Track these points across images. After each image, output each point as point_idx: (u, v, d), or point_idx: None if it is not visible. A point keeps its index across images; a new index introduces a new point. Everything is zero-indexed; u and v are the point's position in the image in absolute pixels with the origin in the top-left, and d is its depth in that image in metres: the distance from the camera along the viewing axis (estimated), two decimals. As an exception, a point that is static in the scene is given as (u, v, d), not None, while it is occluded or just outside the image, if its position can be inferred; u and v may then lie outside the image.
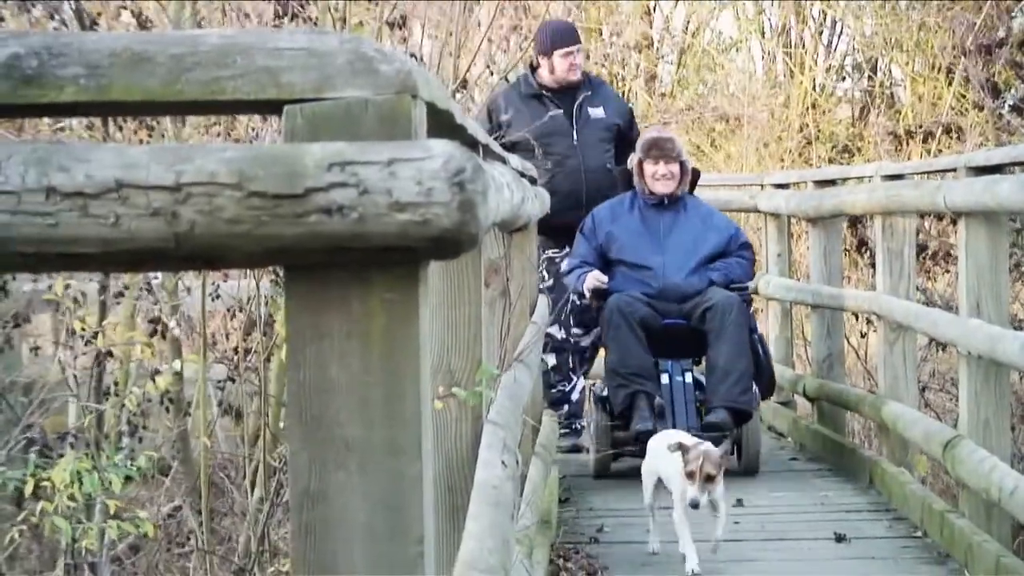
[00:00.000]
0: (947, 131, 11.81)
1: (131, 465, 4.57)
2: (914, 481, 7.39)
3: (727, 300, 7.86)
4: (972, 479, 6.14)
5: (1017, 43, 9.91)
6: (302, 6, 7.13)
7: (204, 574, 5.30)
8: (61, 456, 5.26)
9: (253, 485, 6.34)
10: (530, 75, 8.61)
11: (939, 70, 12.94)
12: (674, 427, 7.35)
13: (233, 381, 6.20)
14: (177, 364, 5.48)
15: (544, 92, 8.51)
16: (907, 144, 12.05)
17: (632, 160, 8.16)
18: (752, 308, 8.45)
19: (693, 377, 7.93)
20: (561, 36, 8.57)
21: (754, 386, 7.96)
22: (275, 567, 4.95)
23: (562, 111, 8.46)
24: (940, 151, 11.71)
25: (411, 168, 1.82)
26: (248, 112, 1.93)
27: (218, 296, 6.52)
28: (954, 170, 6.83)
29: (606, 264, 8.11)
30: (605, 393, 7.94)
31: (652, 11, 17.38)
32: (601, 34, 16.77)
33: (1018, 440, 7.78)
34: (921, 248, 9.88)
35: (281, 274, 5.93)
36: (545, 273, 8.64)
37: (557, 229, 8.34)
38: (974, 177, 6.32)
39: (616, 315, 7.77)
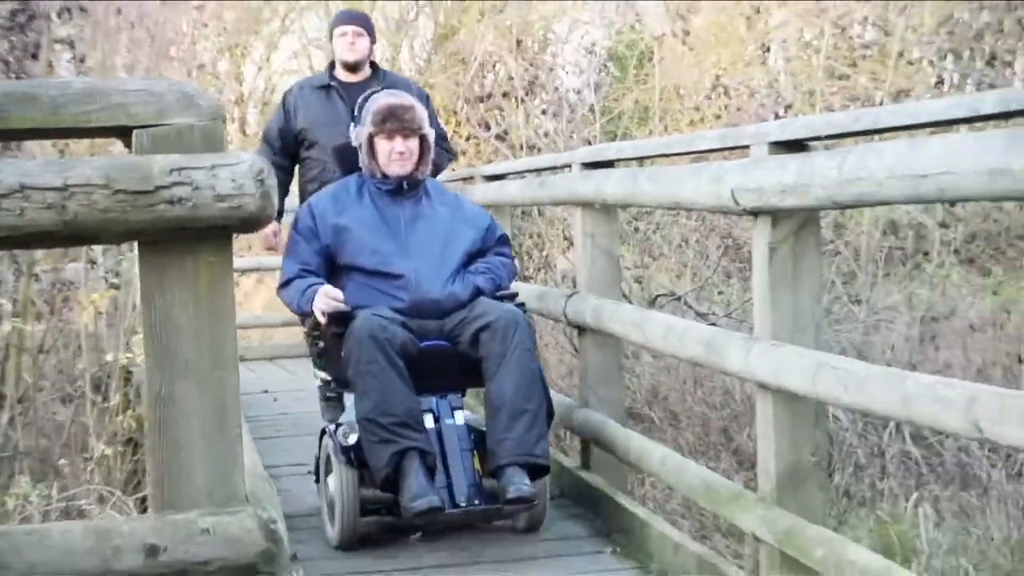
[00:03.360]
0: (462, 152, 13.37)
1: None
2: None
3: (509, 317, 5.03)
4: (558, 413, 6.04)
5: (500, 93, 12.13)
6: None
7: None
8: None
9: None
10: (330, 68, 6.71)
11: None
12: (450, 490, 4.89)
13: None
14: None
15: (332, 83, 6.56)
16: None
17: (358, 134, 5.42)
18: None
19: (464, 418, 5.14)
20: (339, 18, 6.70)
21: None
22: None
23: (343, 103, 6.43)
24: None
25: (228, 171, 2.15)
26: (107, 136, 2.19)
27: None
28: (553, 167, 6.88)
29: (333, 272, 5.28)
30: (352, 442, 4.94)
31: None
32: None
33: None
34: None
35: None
36: None
37: None
38: (582, 171, 5.89)
39: (368, 344, 4.86)
